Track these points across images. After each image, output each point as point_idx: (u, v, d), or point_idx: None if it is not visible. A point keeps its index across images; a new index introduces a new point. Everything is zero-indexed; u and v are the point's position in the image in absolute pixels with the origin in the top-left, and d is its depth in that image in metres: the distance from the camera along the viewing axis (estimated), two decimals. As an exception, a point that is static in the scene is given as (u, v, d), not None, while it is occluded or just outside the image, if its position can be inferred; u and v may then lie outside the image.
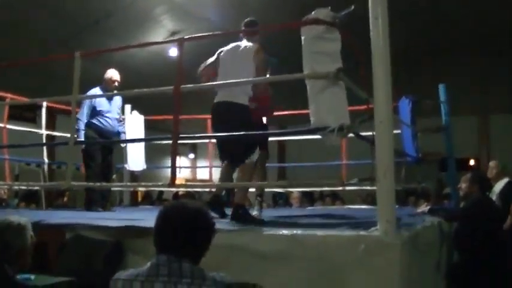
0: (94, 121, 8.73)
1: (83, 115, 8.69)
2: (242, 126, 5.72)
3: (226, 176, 6.40)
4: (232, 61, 6.32)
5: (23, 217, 3.98)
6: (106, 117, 8.89)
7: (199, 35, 5.76)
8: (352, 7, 4.66)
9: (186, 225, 2.86)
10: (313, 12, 4.70)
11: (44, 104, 10.54)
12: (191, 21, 14.62)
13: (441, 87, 9.04)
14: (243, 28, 6.69)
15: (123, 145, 9.99)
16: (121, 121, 9.31)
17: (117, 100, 9.16)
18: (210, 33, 6.03)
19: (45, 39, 14.37)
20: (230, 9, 14.28)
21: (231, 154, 6.31)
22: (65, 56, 7.32)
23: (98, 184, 8.45)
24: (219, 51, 6.51)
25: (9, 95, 9.54)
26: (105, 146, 8.98)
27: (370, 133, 4.37)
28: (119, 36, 13.94)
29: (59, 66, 14.31)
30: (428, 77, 13.97)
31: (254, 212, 6.48)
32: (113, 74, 8.88)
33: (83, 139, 8.42)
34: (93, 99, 8.61)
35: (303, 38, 4.69)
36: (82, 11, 13.77)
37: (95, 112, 8.69)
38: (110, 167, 9.15)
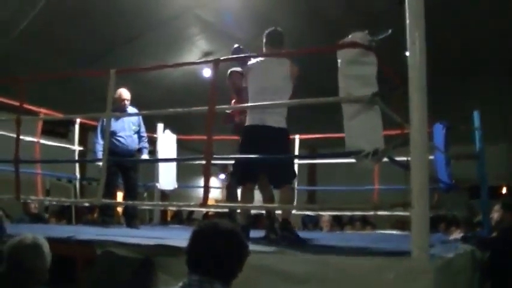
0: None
1: (98, 137, 8.91)
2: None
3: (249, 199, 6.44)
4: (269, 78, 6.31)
5: (40, 236, 3.96)
6: (119, 136, 9.01)
7: (235, 56, 5.76)
8: (390, 31, 4.65)
9: (219, 245, 2.85)
10: (349, 36, 4.69)
11: (78, 120, 10.62)
12: (224, 42, 14.66)
13: (475, 114, 8.97)
14: (264, 38, 6.70)
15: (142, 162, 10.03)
16: (142, 137, 9.35)
17: (132, 118, 9.21)
18: (246, 54, 5.99)
19: (78, 57, 14.49)
20: (263, 30, 14.33)
21: (280, 176, 6.29)
22: (101, 72, 7.38)
23: (130, 202, 8.51)
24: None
25: (43, 110, 9.63)
26: (122, 165, 9.04)
27: (403, 158, 4.34)
28: (151, 55, 14.01)
29: (92, 83, 14.47)
30: (458, 101, 13.89)
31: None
32: (121, 92, 8.98)
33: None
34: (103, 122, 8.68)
35: (339, 61, 4.68)
36: (115, 29, 13.87)
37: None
38: (132, 185, 9.18)
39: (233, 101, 7.73)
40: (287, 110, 6.33)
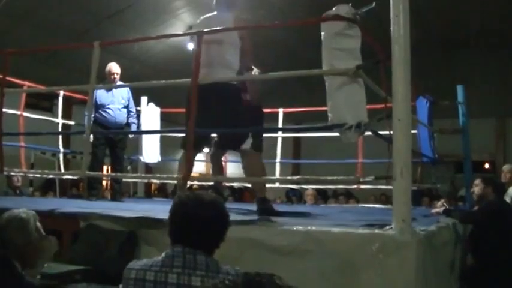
0: (96, 114, 8.83)
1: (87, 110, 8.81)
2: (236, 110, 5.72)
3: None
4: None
5: (27, 210, 3.95)
6: (108, 108, 8.98)
7: (217, 28, 5.71)
8: (373, 4, 4.63)
9: (201, 216, 2.85)
10: (333, 9, 4.67)
11: (61, 93, 10.57)
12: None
13: (459, 88, 9.00)
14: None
15: (131, 136, 10.01)
16: (131, 112, 9.31)
17: (121, 91, 9.17)
18: (228, 27, 5.93)
19: (63, 30, 14.43)
20: (248, 2, 14.29)
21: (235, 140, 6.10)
22: (84, 44, 7.35)
23: (113, 174, 8.50)
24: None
25: (26, 83, 9.58)
26: (109, 138, 9.07)
27: (387, 132, 4.36)
28: (136, 29, 13.98)
29: (77, 58, 14.41)
30: (443, 74, 13.92)
31: None
32: (111, 66, 8.94)
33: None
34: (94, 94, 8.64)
35: (323, 34, 4.66)
36: (100, 3, 13.82)
37: (96, 106, 8.77)
38: (118, 159, 9.19)
39: None
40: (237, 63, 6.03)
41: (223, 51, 5.98)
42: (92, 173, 7.64)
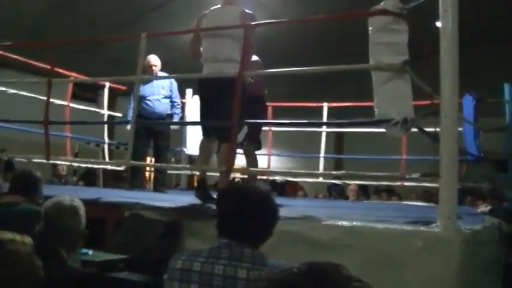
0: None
1: (130, 102, 8.93)
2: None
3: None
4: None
5: (76, 199, 4.03)
6: (148, 100, 9.06)
7: (267, 21, 5.71)
8: (422, -1, 4.61)
9: (248, 209, 2.85)
10: (381, 3, 4.65)
11: (107, 84, 10.68)
12: (249, 7, 14.60)
13: (506, 86, 8.86)
14: None
15: (173, 127, 10.02)
16: (174, 102, 9.36)
17: (162, 82, 9.23)
18: (278, 20, 5.94)
19: (108, 23, 14.53)
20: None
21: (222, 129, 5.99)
22: (131, 36, 7.39)
23: (157, 165, 8.57)
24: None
25: (73, 74, 9.69)
26: (150, 128, 9.15)
27: (432, 129, 4.32)
28: (181, 21, 13.98)
29: (118, 49, 14.52)
30: (489, 73, 13.67)
31: None
32: (150, 58, 8.97)
33: None
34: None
35: (370, 28, 4.64)
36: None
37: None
38: (160, 150, 9.25)
39: None
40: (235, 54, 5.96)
41: (227, 45, 6.03)
42: (135, 162, 7.70)
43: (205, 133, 6.39)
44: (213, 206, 3.36)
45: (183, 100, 10.10)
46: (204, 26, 6.30)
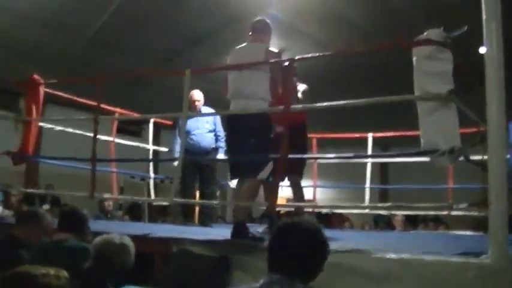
0: None
1: (175, 137, 9.29)
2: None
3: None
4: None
5: (125, 236, 4.07)
6: (193, 134, 9.16)
7: (310, 55, 5.73)
8: (465, 27, 4.58)
9: (301, 244, 2.84)
10: (425, 33, 4.64)
11: (151, 119, 10.79)
12: (296, 38, 14.67)
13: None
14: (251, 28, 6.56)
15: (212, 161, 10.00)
16: (219, 136, 9.39)
17: (206, 116, 9.33)
18: (321, 53, 5.95)
19: (151, 57, 14.74)
20: (335, 25, 14.28)
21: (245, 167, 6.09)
22: (176, 72, 7.47)
23: (202, 202, 8.62)
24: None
25: (118, 110, 9.81)
26: (196, 162, 9.17)
27: (478, 156, 4.27)
28: (223, 53, 14.13)
29: (164, 82, 14.69)
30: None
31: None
32: (193, 94, 9.00)
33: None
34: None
35: (414, 58, 4.64)
36: (188, 28, 14.05)
37: None
38: (207, 183, 9.29)
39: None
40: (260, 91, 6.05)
41: (252, 81, 6.05)
42: (179, 200, 7.73)
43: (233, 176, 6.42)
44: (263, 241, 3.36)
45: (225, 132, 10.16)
46: (229, 63, 6.43)
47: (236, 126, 6.11)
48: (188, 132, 8.92)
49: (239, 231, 5.65)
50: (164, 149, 12.27)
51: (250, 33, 6.52)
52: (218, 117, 9.41)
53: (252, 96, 5.98)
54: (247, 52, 6.26)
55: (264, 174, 5.92)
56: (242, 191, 6.05)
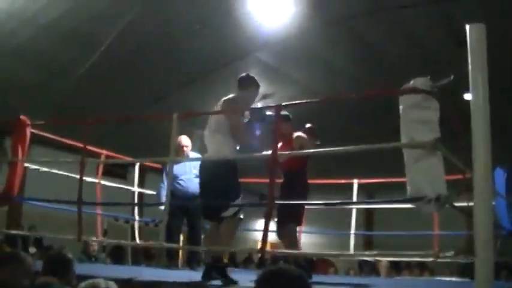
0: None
1: (163, 181, 9.28)
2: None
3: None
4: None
5: (110, 281, 4.04)
6: (181, 180, 9.22)
7: (297, 102, 5.80)
8: (452, 77, 4.63)
9: None
10: (411, 81, 4.69)
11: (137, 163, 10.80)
12: (283, 84, 14.78)
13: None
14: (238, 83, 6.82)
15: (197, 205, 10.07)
16: None
17: (192, 162, 9.31)
18: (308, 100, 6.02)
19: (138, 99, 14.79)
20: (322, 71, 14.40)
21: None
22: (163, 116, 7.52)
23: (187, 247, 8.61)
24: None
25: (104, 152, 9.81)
26: (183, 207, 9.16)
27: (465, 204, 4.29)
28: (212, 96, 14.17)
29: (150, 125, 14.71)
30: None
31: None
32: (181, 139, 9.13)
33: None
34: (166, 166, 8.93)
35: (401, 106, 4.69)
36: (176, 71, 14.13)
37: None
38: (194, 228, 9.27)
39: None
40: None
41: (214, 139, 6.48)
42: (168, 244, 7.70)
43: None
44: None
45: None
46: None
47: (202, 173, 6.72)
48: (175, 177, 8.95)
49: (209, 272, 6.10)
50: (149, 192, 12.26)
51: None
52: None
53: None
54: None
55: (228, 212, 6.21)
56: (220, 234, 6.29)
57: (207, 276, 6.09)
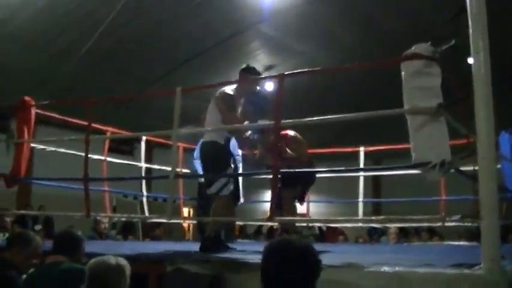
0: None
1: (194, 157, 9.25)
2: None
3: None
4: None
5: (121, 257, 4.07)
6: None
7: (300, 70, 5.78)
8: (453, 41, 4.61)
9: (294, 262, 2.85)
10: (413, 47, 4.67)
11: (143, 137, 10.78)
12: (286, 55, 14.73)
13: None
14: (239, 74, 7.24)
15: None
16: None
17: None
18: (310, 69, 6.00)
19: (141, 77, 14.76)
20: (325, 43, 14.34)
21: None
22: (166, 92, 7.52)
23: (196, 218, 8.62)
24: None
25: (109, 129, 9.82)
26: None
27: (469, 168, 4.29)
28: (213, 72, 14.17)
29: (154, 102, 14.71)
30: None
31: None
32: None
33: None
34: None
35: (402, 73, 4.66)
36: (178, 47, 14.09)
37: None
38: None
39: None
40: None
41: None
42: (174, 220, 7.79)
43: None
44: (256, 259, 3.40)
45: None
46: None
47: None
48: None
49: (205, 245, 6.42)
50: (157, 167, 12.27)
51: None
52: None
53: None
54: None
55: (226, 191, 6.68)
56: (212, 209, 6.80)
57: (203, 248, 6.37)
